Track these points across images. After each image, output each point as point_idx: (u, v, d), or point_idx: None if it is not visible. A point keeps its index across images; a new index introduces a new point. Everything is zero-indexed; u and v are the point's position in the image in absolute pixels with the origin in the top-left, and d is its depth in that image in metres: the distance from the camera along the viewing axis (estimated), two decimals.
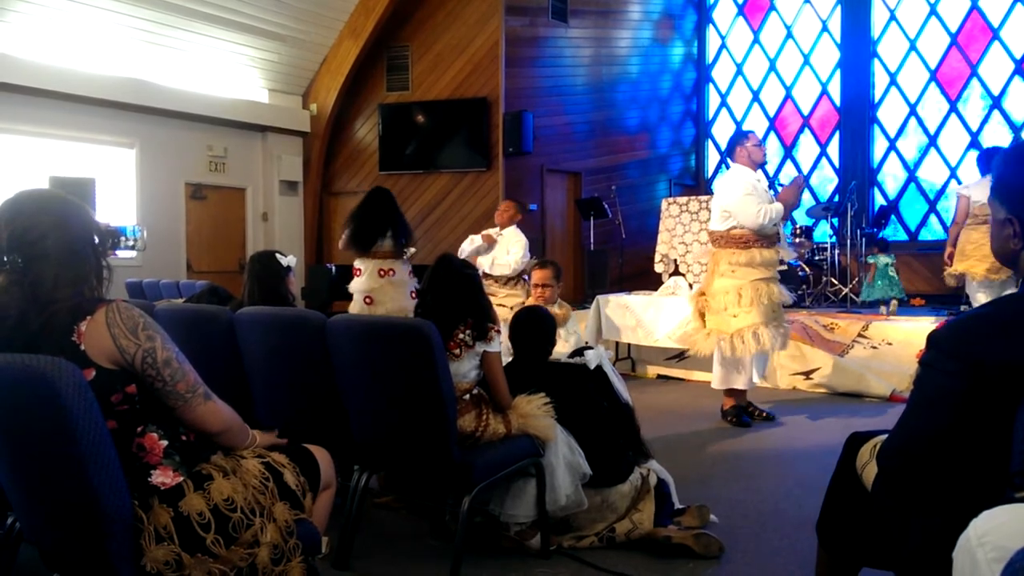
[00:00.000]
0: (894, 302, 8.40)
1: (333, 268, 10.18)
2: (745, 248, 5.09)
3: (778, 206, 5.04)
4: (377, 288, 5.51)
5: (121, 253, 8.77)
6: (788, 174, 12.47)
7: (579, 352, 3.46)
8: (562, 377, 3.25)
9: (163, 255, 9.79)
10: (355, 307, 5.63)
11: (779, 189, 5.37)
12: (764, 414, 5.42)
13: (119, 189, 9.56)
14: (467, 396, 2.86)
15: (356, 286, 5.63)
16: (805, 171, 12.69)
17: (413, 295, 5.47)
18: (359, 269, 5.60)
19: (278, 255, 3.47)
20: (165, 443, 1.84)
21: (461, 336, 2.84)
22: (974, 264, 6.51)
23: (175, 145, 9.99)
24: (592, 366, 3.36)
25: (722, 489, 3.83)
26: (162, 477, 1.80)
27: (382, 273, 5.51)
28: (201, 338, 2.98)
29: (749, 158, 5.17)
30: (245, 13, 9.70)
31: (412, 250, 5.73)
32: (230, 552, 1.81)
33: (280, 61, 10.72)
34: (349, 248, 5.59)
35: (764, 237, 5.09)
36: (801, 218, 11.06)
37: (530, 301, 6.56)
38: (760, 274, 5.07)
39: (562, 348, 4.21)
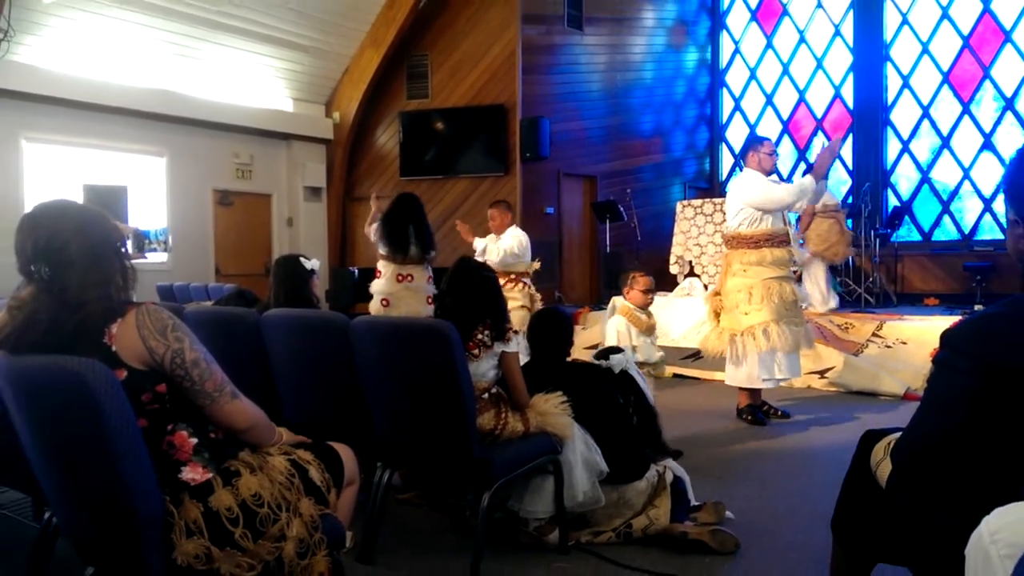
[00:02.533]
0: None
1: (356, 271, 10.23)
2: (756, 248, 5.07)
3: (807, 178, 5.00)
4: (393, 293, 5.57)
5: (151, 256, 8.84)
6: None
7: (604, 355, 3.46)
8: (579, 376, 3.25)
9: (192, 259, 9.89)
10: (374, 307, 5.69)
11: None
12: (779, 412, 5.38)
13: (150, 196, 9.68)
14: (486, 395, 2.87)
15: (376, 287, 5.68)
16: None
17: (430, 300, 5.50)
18: (380, 271, 5.64)
19: (302, 259, 3.49)
20: (195, 440, 1.85)
21: (480, 337, 2.84)
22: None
23: (203, 153, 10.08)
24: (617, 370, 3.36)
25: (738, 486, 3.81)
26: (192, 473, 1.82)
27: (400, 278, 5.56)
28: (229, 339, 3.00)
29: (760, 165, 5.15)
30: (269, 25, 9.78)
31: (433, 253, 5.76)
32: (257, 546, 1.82)
33: (304, 71, 10.80)
34: (385, 250, 5.60)
35: (774, 236, 5.06)
36: None
37: (536, 305, 6.57)
38: (771, 273, 5.04)
39: (648, 354, 4.23)
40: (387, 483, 2.86)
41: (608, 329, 4.40)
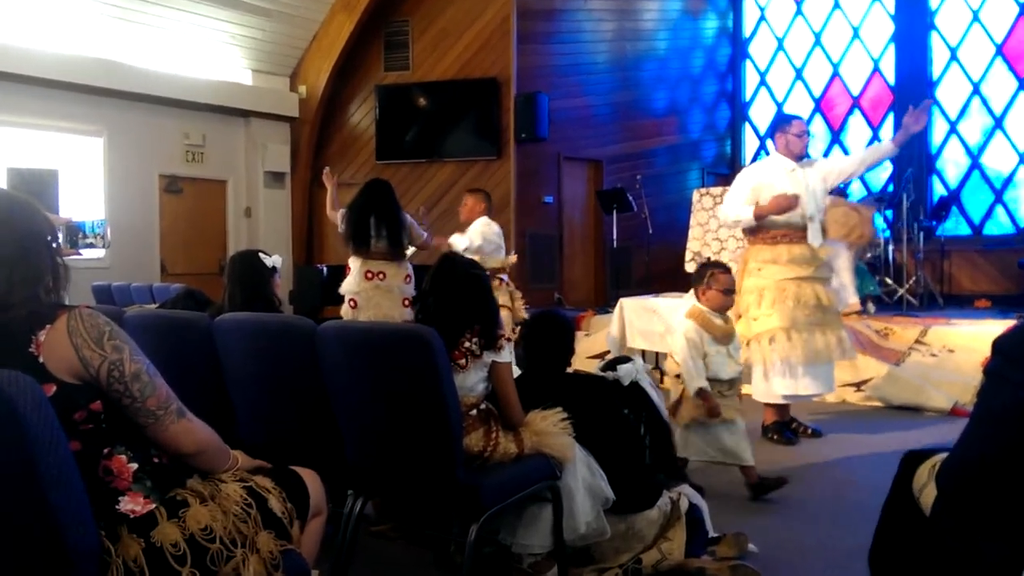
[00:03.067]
0: (870, 302, 8.39)
1: (324, 269, 10.21)
2: (772, 244, 5.11)
3: (744, 213, 5.11)
4: (361, 292, 5.53)
5: (86, 252, 8.81)
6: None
7: (612, 365, 3.46)
8: (582, 390, 3.25)
9: (134, 255, 9.85)
10: (344, 310, 5.68)
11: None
12: (809, 431, 5.40)
13: (85, 182, 9.63)
14: (474, 412, 2.86)
15: (344, 286, 5.67)
16: None
17: (407, 303, 5.49)
18: (350, 268, 5.65)
19: (262, 255, 3.49)
20: (135, 466, 1.84)
21: (467, 345, 2.83)
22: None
23: (148, 133, 10.05)
24: (626, 382, 3.36)
25: (761, 515, 3.81)
26: (132, 504, 1.80)
27: (369, 276, 5.54)
28: (176, 348, 2.99)
29: (788, 148, 5.17)
30: None
31: (412, 250, 5.75)
32: None
33: (265, 38, 10.77)
34: (346, 244, 5.61)
35: (793, 232, 5.09)
36: None
37: (517, 304, 6.58)
38: (788, 273, 5.05)
39: (721, 368, 4.05)
40: (359, 514, 2.85)
41: (675, 338, 4.15)
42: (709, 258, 8.27)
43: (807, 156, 5.30)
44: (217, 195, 11.05)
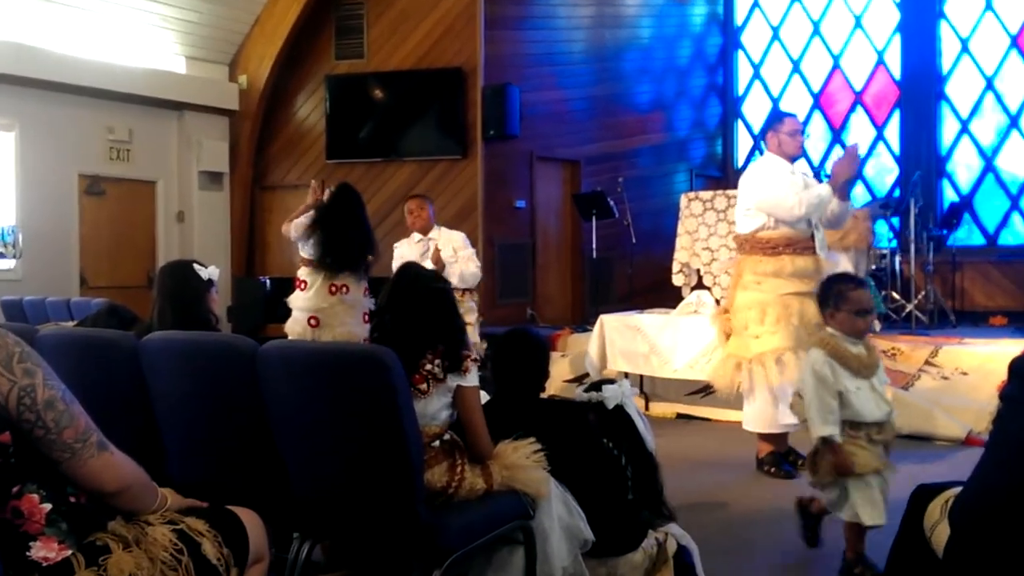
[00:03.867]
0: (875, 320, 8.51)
1: (267, 282, 10.14)
2: (774, 255, 5.13)
3: (820, 189, 5.05)
4: (327, 308, 5.53)
5: None
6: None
7: (596, 387, 3.46)
8: (557, 418, 3.25)
9: (49, 266, 9.73)
10: (295, 327, 5.64)
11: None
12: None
13: None
14: (437, 443, 2.85)
15: (300, 303, 5.64)
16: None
17: (366, 318, 5.47)
18: (304, 281, 5.62)
19: (196, 266, 3.47)
20: (48, 507, 1.82)
21: (429, 367, 2.83)
22: None
23: (66, 127, 9.95)
24: (611, 405, 3.36)
25: (758, 556, 3.82)
26: (44, 551, 1.78)
27: (333, 290, 5.54)
28: (97, 372, 2.96)
29: (780, 148, 5.23)
30: None
31: (371, 257, 5.76)
32: None
33: (201, 22, 10.72)
34: (321, 264, 5.56)
35: (797, 242, 5.14)
36: None
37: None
38: (791, 287, 5.09)
39: (865, 407, 3.65)
40: (306, 559, 2.83)
41: (804, 376, 3.73)
42: (698, 270, 8.32)
43: (804, 157, 5.34)
44: (145, 198, 10.95)
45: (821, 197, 5.02)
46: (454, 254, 6.38)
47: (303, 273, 5.68)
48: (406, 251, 6.47)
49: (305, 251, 5.69)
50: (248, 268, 11.46)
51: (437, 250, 6.25)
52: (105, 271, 10.39)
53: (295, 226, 5.81)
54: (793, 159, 5.26)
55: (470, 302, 6.44)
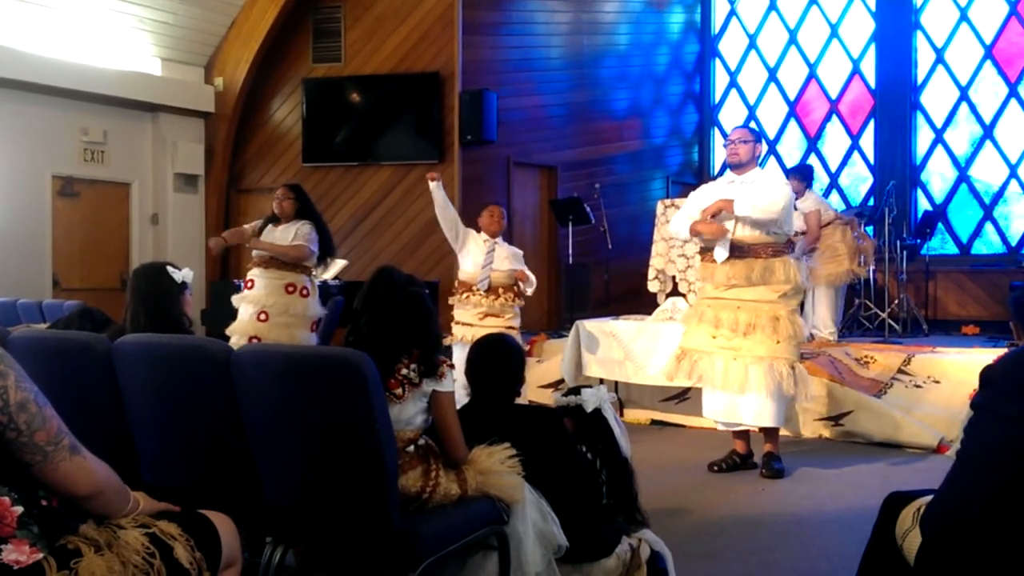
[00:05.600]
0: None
1: (241, 285, 10.07)
2: (705, 261, 5.59)
3: (682, 226, 5.56)
4: (280, 304, 5.99)
5: None
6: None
7: (574, 392, 3.47)
8: (532, 423, 3.25)
9: (22, 267, 9.65)
10: (244, 326, 6.01)
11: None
12: (748, 463, 5.68)
13: None
14: (411, 448, 2.85)
15: (251, 297, 6.06)
16: (834, 167, 12.92)
17: (314, 326, 5.79)
18: (251, 281, 6.07)
19: (170, 268, 3.46)
20: (19, 510, 1.81)
21: (404, 372, 2.83)
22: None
23: (39, 128, 9.87)
24: (589, 409, 3.38)
25: (731, 563, 3.84)
26: (15, 554, 1.77)
27: (291, 289, 5.98)
28: (69, 375, 2.95)
29: (727, 158, 5.66)
30: None
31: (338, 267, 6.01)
32: None
33: (177, 23, 10.66)
34: (325, 259, 6.18)
35: (704, 250, 5.57)
36: None
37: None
38: (710, 292, 5.61)
39: None
40: (279, 564, 2.82)
41: None
42: (673, 277, 8.35)
43: (734, 165, 5.55)
44: (119, 200, 10.87)
45: (676, 237, 5.93)
46: (510, 263, 6.55)
47: (256, 274, 6.11)
48: (473, 245, 6.64)
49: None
50: (222, 271, 11.39)
51: (523, 273, 6.54)
52: (78, 273, 10.31)
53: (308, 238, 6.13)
54: (731, 168, 5.62)
55: (515, 308, 6.54)
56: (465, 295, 6.50)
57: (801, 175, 8.50)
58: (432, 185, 6.44)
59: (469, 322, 6.43)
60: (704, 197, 5.57)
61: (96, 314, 4.09)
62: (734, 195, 5.32)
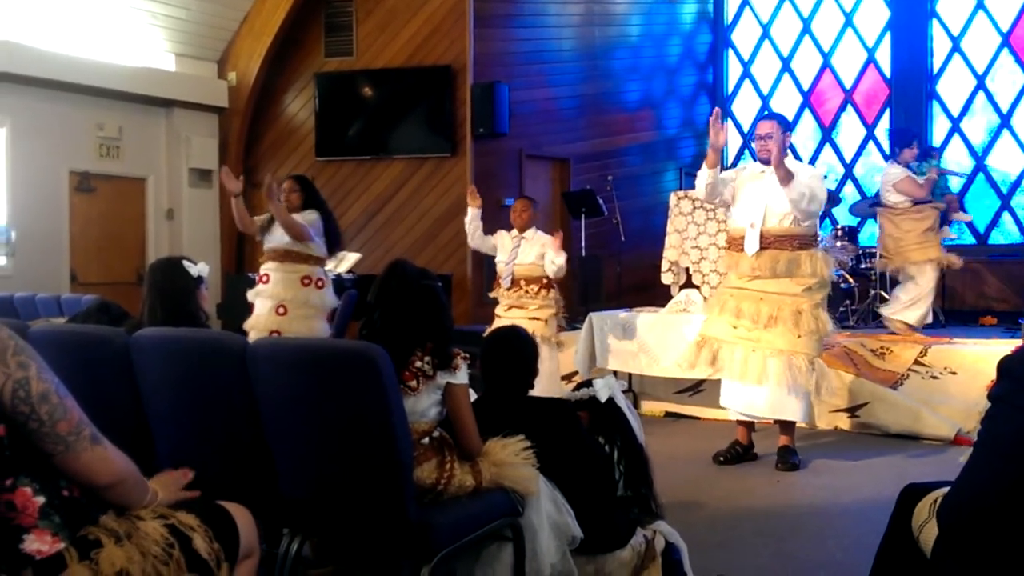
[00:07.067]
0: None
1: (256, 279, 10.10)
2: (731, 250, 5.67)
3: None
4: (299, 297, 5.97)
5: None
6: (825, 160, 12.65)
7: (586, 384, 3.48)
8: (546, 415, 3.26)
9: (40, 262, 9.70)
10: (263, 321, 5.98)
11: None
12: (750, 454, 5.69)
13: None
14: (426, 440, 2.86)
15: (268, 292, 6.03)
16: (848, 158, 12.83)
17: (330, 317, 5.84)
18: (266, 275, 6.06)
19: (186, 262, 3.47)
20: (41, 500, 1.82)
21: (419, 364, 2.83)
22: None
23: (56, 124, 9.90)
24: (603, 398, 3.38)
25: (746, 554, 3.84)
26: (37, 543, 1.78)
27: (307, 281, 5.99)
28: (88, 367, 2.95)
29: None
30: None
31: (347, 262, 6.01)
32: None
33: (190, 19, 10.69)
34: (334, 250, 6.26)
35: (732, 240, 5.61)
36: (844, 216, 11.16)
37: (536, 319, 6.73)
38: (730, 283, 5.68)
39: None
40: (296, 555, 2.83)
41: None
42: (687, 269, 8.34)
43: (793, 154, 5.53)
44: (135, 195, 10.91)
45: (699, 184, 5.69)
46: (542, 250, 6.53)
47: (270, 268, 6.09)
48: (505, 240, 6.71)
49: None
50: (238, 265, 11.43)
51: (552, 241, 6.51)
52: (95, 268, 10.35)
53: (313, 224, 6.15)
54: (765, 162, 5.51)
55: (545, 299, 6.56)
56: (497, 289, 6.69)
57: (907, 141, 8.40)
58: (471, 211, 6.69)
59: (499, 314, 6.61)
60: (738, 177, 5.70)
61: (113, 308, 4.11)
62: (771, 189, 5.36)
